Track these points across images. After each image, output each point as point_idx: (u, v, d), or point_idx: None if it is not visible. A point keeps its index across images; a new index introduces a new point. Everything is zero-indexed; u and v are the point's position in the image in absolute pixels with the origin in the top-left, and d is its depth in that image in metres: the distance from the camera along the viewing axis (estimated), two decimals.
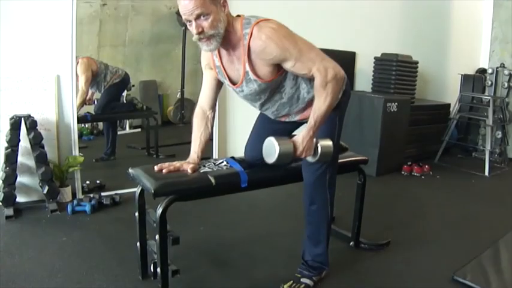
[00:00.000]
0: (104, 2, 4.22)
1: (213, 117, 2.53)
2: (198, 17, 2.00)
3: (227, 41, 2.13)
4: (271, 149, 2.13)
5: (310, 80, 2.25)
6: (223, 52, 2.24)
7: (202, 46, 2.12)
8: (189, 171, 2.31)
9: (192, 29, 2.04)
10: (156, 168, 2.33)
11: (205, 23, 2.01)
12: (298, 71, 2.15)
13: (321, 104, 2.14)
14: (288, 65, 2.13)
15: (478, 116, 6.07)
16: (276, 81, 2.23)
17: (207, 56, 2.37)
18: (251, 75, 2.17)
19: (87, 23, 4.13)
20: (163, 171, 2.29)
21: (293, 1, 4.82)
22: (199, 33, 2.04)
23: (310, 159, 2.26)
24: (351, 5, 5.43)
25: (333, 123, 2.38)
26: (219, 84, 2.48)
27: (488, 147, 5.54)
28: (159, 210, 2.14)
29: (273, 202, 3.83)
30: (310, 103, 2.31)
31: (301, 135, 2.18)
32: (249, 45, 2.09)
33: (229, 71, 2.27)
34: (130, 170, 2.42)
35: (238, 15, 2.18)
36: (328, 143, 2.22)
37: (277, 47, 2.06)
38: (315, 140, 2.20)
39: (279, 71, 2.19)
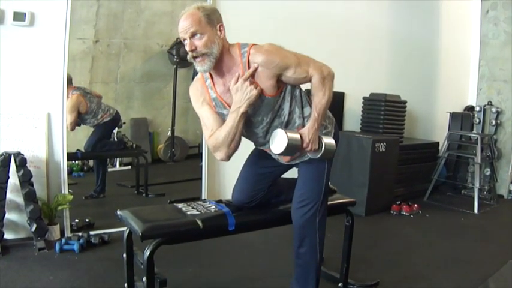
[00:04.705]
0: (96, 39, 4.26)
1: None
2: (192, 36, 2.12)
3: (222, 64, 2.22)
4: (280, 140, 2.21)
5: (302, 103, 2.36)
6: (218, 82, 2.29)
7: (197, 66, 2.19)
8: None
9: (187, 47, 2.14)
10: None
11: (199, 42, 2.12)
12: (299, 75, 2.26)
13: (321, 97, 2.29)
14: (290, 72, 2.23)
15: (466, 153, 6.14)
16: (277, 100, 2.28)
17: (200, 92, 2.37)
18: None
19: (80, 59, 4.16)
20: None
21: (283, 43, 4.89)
22: (192, 51, 2.13)
23: (313, 155, 2.32)
24: (339, 45, 5.51)
25: (322, 165, 2.43)
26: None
27: (477, 184, 5.57)
28: (147, 253, 2.15)
29: (263, 243, 3.81)
30: (300, 128, 2.34)
31: (306, 127, 2.29)
32: (248, 61, 2.18)
33: (226, 99, 2.30)
34: (118, 212, 2.43)
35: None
36: (331, 141, 2.32)
37: (278, 56, 2.21)
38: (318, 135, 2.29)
39: (279, 87, 2.26)
